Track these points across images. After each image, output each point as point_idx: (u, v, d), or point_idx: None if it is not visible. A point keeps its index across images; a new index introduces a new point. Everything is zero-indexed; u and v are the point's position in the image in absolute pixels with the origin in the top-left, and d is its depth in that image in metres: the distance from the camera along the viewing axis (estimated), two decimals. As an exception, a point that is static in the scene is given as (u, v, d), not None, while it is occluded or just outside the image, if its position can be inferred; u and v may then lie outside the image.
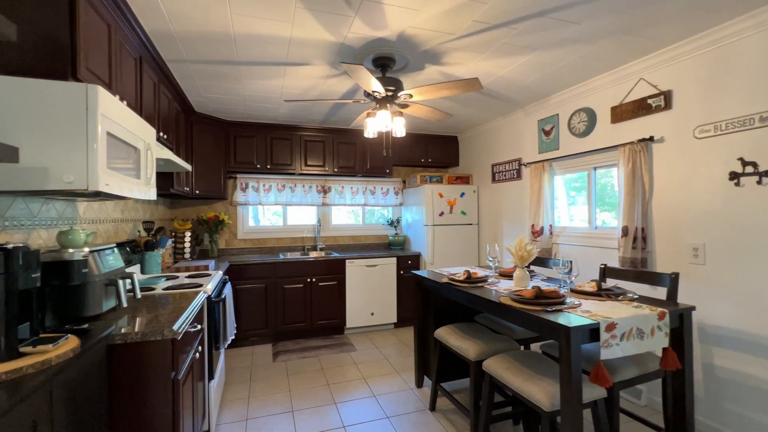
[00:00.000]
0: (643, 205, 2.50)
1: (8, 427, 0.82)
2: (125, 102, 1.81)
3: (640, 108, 2.54)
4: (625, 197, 2.55)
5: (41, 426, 0.93)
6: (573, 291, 1.99)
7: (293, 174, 4.18)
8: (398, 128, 2.56)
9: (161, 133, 2.44)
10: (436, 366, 2.47)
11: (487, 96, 3.23)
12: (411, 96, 2.51)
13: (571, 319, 1.55)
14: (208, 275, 2.60)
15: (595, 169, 3.01)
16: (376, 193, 4.69)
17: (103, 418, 1.30)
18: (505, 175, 3.95)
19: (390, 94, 2.47)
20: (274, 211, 4.50)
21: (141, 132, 1.78)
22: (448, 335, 2.35)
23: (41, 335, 1.13)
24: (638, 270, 2.18)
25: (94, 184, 1.32)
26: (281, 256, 3.90)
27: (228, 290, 2.76)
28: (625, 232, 2.54)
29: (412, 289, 3.58)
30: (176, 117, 2.94)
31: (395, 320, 4.18)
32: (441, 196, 4.21)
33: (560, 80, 2.87)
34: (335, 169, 4.24)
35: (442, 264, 4.21)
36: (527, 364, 1.85)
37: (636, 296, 1.90)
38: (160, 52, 2.30)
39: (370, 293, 4.08)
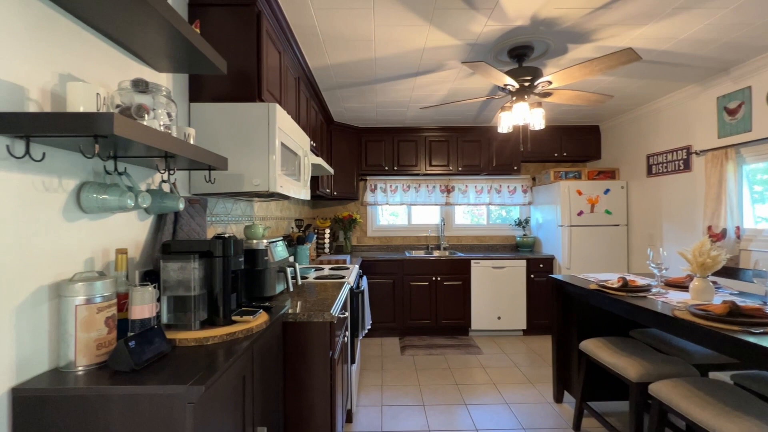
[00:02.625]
0: None
1: (230, 379, 1.03)
2: (290, 116, 2.12)
3: None
4: None
5: (247, 381, 1.16)
6: (787, 311, 1.54)
7: (418, 174, 4.29)
8: (537, 120, 2.38)
9: (311, 142, 2.78)
10: (581, 382, 2.21)
11: (647, 72, 2.76)
12: (550, 83, 2.32)
13: (792, 346, 1.20)
14: (347, 268, 2.85)
15: (813, 153, 2.29)
16: (501, 192, 4.47)
17: (280, 382, 1.54)
18: (666, 167, 3.31)
19: (526, 84, 2.32)
20: (391, 211, 4.69)
21: (301, 141, 2.06)
22: (598, 349, 2.08)
23: (242, 308, 1.40)
24: None
25: (273, 186, 1.59)
26: (407, 254, 4.04)
27: (365, 283, 2.99)
28: None
29: (550, 295, 3.30)
30: (320, 127, 3.32)
31: (524, 327, 3.91)
32: (579, 193, 3.77)
33: (757, 42, 2.26)
34: (459, 168, 4.20)
35: (581, 269, 3.76)
36: (715, 396, 1.51)
37: None
38: (312, 69, 2.63)
39: (496, 296, 3.91)
